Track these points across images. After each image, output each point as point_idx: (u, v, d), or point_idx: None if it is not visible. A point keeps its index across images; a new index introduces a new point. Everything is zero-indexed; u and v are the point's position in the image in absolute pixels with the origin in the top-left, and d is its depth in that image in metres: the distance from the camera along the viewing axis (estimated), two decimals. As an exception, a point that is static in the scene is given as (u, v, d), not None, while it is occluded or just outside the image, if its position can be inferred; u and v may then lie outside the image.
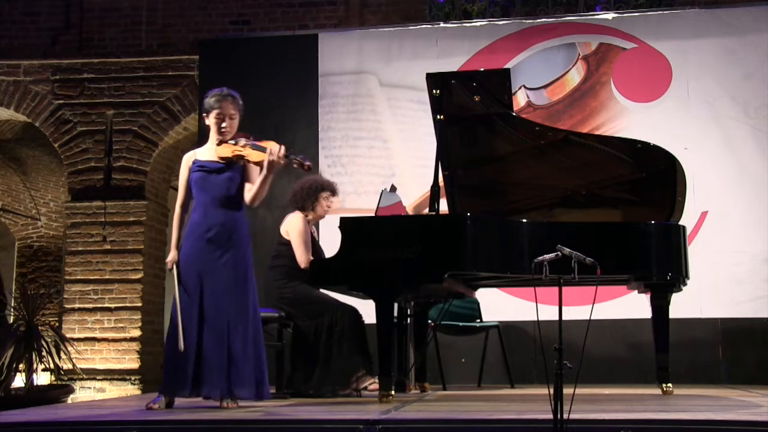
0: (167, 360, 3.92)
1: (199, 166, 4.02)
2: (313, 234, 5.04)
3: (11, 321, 7.35)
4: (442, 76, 4.72)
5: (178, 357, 3.82)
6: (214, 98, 4.03)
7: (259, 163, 3.91)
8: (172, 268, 3.97)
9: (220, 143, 4.02)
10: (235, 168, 3.99)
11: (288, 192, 5.21)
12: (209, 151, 4.06)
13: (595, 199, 4.86)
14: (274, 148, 3.88)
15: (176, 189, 4.29)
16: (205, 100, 4.08)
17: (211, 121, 4.04)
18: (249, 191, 3.98)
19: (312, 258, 4.80)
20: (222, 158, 4.00)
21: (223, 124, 4.00)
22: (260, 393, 3.90)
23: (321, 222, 5.36)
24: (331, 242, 4.91)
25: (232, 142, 4.01)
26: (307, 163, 3.94)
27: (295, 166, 3.95)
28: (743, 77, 6.44)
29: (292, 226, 4.93)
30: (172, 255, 3.99)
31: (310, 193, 5.02)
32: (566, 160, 4.81)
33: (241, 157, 3.96)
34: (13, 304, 7.42)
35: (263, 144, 3.94)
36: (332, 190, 5.10)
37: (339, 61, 6.90)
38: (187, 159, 4.09)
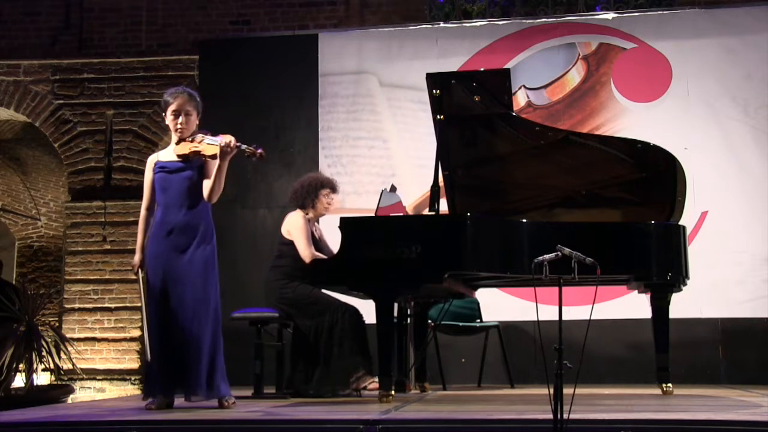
0: (147, 363, 3.94)
1: (160, 167, 4.00)
2: (314, 233, 5.02)
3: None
4: (442, 76, 4.72)
5: (151, 361, 3.85)
6: (169, 95, 4.01)
7: (214, 156, 3.88)
8: (138, 271, 3.97)
9: (179, 142, 4.00)
10: (194, 165, 3.95)
11: (288, 191, 5.21)
12: (170, 151, 4.04)
13: (595, 199, 4.86)
14: (226, 139, 3.86)
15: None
16: (162, 98, 4.06)
17: (168, 118, 4.02)
18: (206, 186, 3.92)
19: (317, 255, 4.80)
20: (180, 156, 3.97)
21: (179, 119, 3.97)
22: (211, 393, 3.87)
23: (322, 221, 5.35)
24: (331, 242, 4.93)
25: (190, 139, 3.98)
26: (260, 150, 3.90)
27: (247, 154, 3.92)
28: (743, 77, 6.44)
29: (292, 224, 4.93)
30: (137, 258, 3.99)
31: (310, 190, 5.01)
32: (566, 160, 4.81)
33: (197, 152, 3.92)
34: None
35: (218, 138, 3.91)
36: (332, 187, 5.09)
37: (339, 61, 6.90)
38: (151, 161, 4.07)
